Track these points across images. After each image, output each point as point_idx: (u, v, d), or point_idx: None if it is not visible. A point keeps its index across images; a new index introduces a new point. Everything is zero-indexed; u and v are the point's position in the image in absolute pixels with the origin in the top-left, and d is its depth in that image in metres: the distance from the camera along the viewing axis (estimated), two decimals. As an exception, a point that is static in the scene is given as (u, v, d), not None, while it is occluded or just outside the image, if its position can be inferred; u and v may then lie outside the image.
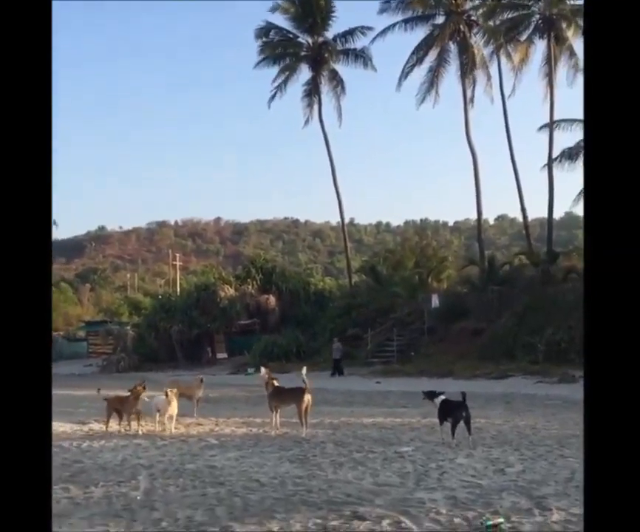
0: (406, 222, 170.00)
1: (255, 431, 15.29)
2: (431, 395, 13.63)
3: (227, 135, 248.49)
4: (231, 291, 52.15)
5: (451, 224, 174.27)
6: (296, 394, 14.45)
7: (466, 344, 38.62)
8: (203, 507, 8.63)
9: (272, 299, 52.08)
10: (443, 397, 13.36)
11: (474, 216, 55.06)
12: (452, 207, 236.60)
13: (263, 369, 16.65)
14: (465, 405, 12.72)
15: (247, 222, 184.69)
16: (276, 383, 15.11)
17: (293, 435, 14.37)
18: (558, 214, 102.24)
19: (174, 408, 14.85)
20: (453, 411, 12.85)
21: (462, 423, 12.73)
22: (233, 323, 50.70)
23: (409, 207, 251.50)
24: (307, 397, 14.22)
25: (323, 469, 10.64)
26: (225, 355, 50.04)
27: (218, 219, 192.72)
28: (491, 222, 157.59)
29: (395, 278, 50.29)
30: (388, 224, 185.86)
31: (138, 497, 9.26)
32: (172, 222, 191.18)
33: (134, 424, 15.45)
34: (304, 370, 14.90)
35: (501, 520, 7.62)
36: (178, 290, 69.11)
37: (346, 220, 58.04)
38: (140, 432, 15.10)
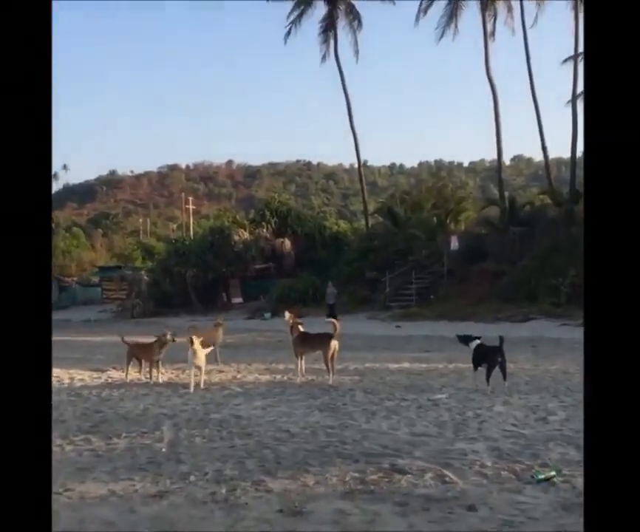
0: (420, 164, 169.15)
1: (279, 379, 14.81)
2: (466, 339, 13.03)
3: (238, 76, 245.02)
4: (246, 235, 51.48)
5: (466, 164, 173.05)
6: (323, 340, 13.90)
7: (487, 287, 38.00)
8: (232, 459, 8.15)
9: (287, 243, 51.50)
10: (478, 341, 12.79)
11: (489, 156, 54.89)
12: (467, 147, 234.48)
13: (287, 314, 15.88)
14: (502, 350, 12.14)
15: (260, 165, 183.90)
16: (301, 328, 14.54)
17: (319, 382, 13.89)
18: (577, 153, 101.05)
19: (201, 359, 13.67)
20: (488, 356, 12.29)
21: (497, 369, 12.19)
22: (248, 267, 50.13)
23: (423, 148, 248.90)
24: (334, 343, 13.68)
25: (355, 418, 10.14)
26: (240, 300, 49.63)
27: (230, 162, 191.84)
28: (507, 162, 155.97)
29: (413, 221, 49.45)
30: (402, 166, 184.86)
31: (163, 449, 8.80)
32: (183, 166, 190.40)
33: (154, 372, 14.92)
34: (331, 319, 14.41)
35: (553, 473, 7.11)
36: (192, 234, 68.57)
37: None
38: (161, 381, 14.61)
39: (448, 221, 50.79)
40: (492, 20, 49.02)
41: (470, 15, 50.52)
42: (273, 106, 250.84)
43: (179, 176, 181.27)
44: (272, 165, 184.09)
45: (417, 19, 49.20)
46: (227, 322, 37.63)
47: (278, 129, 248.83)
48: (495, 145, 47.39)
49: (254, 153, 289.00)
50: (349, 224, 77.32)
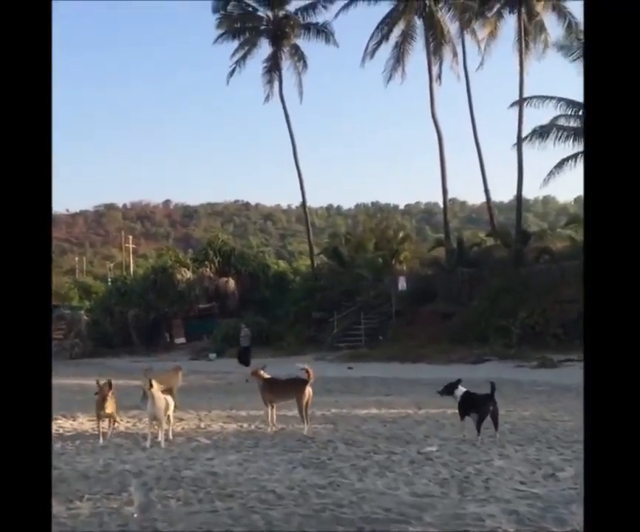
0: (357, 205, 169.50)
1: (247, 427, 13.76)
2: (449, 389, 12.18)
3: (177, 115, 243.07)
4: (189, 274, 50.41)
5: (401, 207, 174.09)
6: (296, 386, 12.94)
7: (436, 328, 37.57)
8: (217, 528, 7.18)
9: (231, 282, 50.62)
10: (463, 389, 11.98)
11: (424, 199, 54.71)
12: (402, 190, 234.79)
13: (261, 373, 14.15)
14: (493, 398, 11.36)
15: (197, 205, 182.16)
16: (265, 375, 13.50)
17: (291, 432, 12.91)
18: (507, 197, 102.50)
19: (160, 408, 11.76)
20: (478, 405, 11.48)
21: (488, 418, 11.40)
22: (191, 307, 49.08)
23: (359, 190, 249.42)
24: (308, 390, 12.74)
25: (345, 476, 9.18)
26: (183, 340, 48.40)
27: (167, 202, 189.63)
28: (441, 205, 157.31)
29: (359, 261, 49.01)
30: (339, 207, 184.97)
31: (135, 515, 7.75)
32: (120, 205, 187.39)
33: (104, 424, 12.85)
34: (303, 364, 13.44)
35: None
36: (131, 273, 67.01)
37: (297, 203, 56.77)
38: (109, 433, 12.76)
39: (393, 262, 50.47)
40: (438, 63, 49.24)
41: (418, 59, 50.55)
42: (210, 146, 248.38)
43: (116, 215, 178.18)
44: (210, 205, 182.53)
45: (363, 61, 49.15)
46: (171, 363, 36.56)
47: (216, 169, 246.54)
48: (431, 188, 47.86)
49: (192, 193, 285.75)
50: (288, 264, 76.58)
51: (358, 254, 52.10)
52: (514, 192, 44.97)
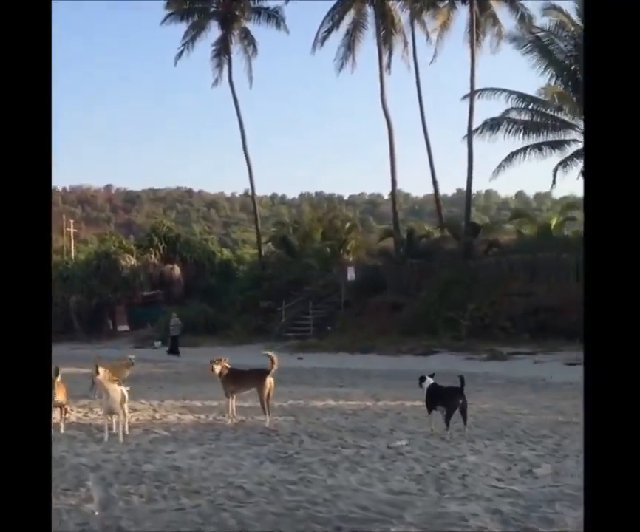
0: (302, 195, 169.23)
1: (205, 419, 13.29)
2: (421, 380, 11.88)
3: (120, 98, 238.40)
4: (133, 260, 49.42)
5: (346, 198, 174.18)
6: (258, 377, 12.52)
7: (385, 319, 37.35)
8: (186, 526, 6.76)
9: (176, 269, 49.78)
10: (431, 380, 11.67)
11: (368, 190, 54.49)
12: (346, 180, 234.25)
13: (217, 367, 13.54)
14: (462, 392, 11.07)
15: (140, 191, 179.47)
16: (227, 365, 13.03)
17: (252, 424, 12.50)
18: (450, 191, 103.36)
19: (116, 400, 11.13)
20: (445, 398, 11.19)
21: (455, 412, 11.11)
22: (135, 293, 48.07)
23: (304, 179, 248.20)
24: (270, 381, 12.34)
25: (315, 471, 8.80)
26: (126, 328, 47.40)
27: (109, 187, 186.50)
28: (385, 196, 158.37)
29: (308, 250, 48.59)
30: (283, 197, 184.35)
31: (96, 512, 7.28)
32: (60, 189, 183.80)
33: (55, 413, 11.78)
34: (268, 351, 12.98)
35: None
36: (73, 258, 65.56)
37: (241, 191, 56.28)
38: (62, 427, 11.97)
39: (341, 252, 50.27)
40: (388, 53, 49.03)
41: (369, 48, 50.16)
42: (154, 131, 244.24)
43: (56, 198, 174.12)
44: (152, 190, 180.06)
45: (313, 48, 48.72)
46: (115, 351, 35.81)
47: (159, 154, 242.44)
48: (375, 179, 47.88)
49: (134, 178, 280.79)
50: (232, 253, 75.95)
51: (306, 244, 51.68)
52: (458, 185, 45.21)
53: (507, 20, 46.24)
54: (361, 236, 57.83)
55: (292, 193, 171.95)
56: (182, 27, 52.43)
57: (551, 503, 7.33)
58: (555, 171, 39.30)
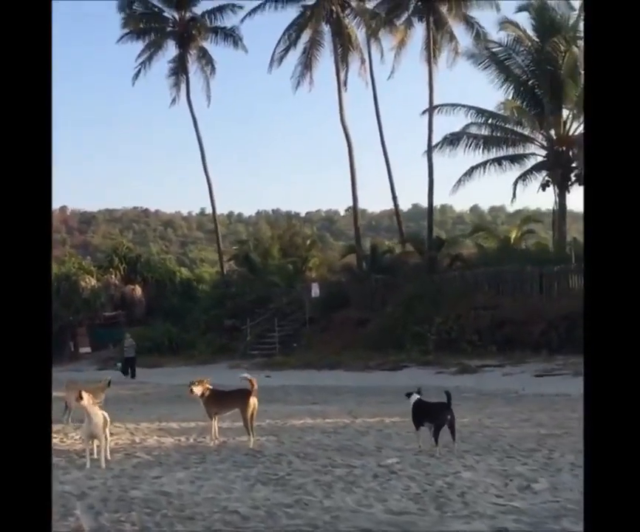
0: (258, 213, 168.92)
1: (186, 441, 13.01)
2: (407, 396, 11.76)
3: (74, 117, 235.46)
4: (93, 281, 48.83)
5: (302, 215, 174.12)
6: (240, 397, 12.29)
7: (350, 334, 37.28)
8: (185, 555, 6.54)
9: (138, 290, 49.30)
10: (417, 396, 11.54)
11: (325, 207, 54.55)
12: (302, 197, 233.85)
13: (197, 389, 13.37)
14: (450, 407, 10.97)
15: (95, 211, 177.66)
16: (209, 386, 12.77)
17: (235, 446, 12.25)
18: (406, 206, 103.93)
19: (99, 425, 10.75)
20: (432, 414, 11.07)
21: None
22: (97, 315, 47.50)
23: (260, 197, 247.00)
24: (254, 401, 12.12)
25: (310, 493, 8.60)
26: (88, 349, 46.75)
27: (63, 208, 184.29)
28: (342, 213, 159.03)
29: (270, 268, 48.44)
30: (240, 215, 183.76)
31: (89, 543, 7.03)
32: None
33: None
34: (245, 374, 12.77)
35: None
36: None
37: (197, 210, 56.04)
38: None
39: (303, 268, 50.20)
40: (345, 70, 49.12)
41: (326, 66, 50.26)
42: (108, 150, 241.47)
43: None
44: (108, 211, 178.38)
45: (270, 67, 48.65)
46: (78, 374, 35.22)
47: (114, 174, 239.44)
48: (331, 196, 48.34)
49: (89, 198, 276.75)
50: (190, 271, 75.49)
51: (267, 261, 51.54)
52: (413, 200, 45.59)
53: (463, 36, 46.74)
54: (321, 252, 57.88)
55: (248, 211, 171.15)
56: (138, 46, 52.25)
57: (557, 519, 7.23)
58: (515, 184, 39.77)
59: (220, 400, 12.58)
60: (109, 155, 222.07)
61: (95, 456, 10.96)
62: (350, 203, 49.32)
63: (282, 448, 11.89)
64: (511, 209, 67.82)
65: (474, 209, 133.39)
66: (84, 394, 11.14)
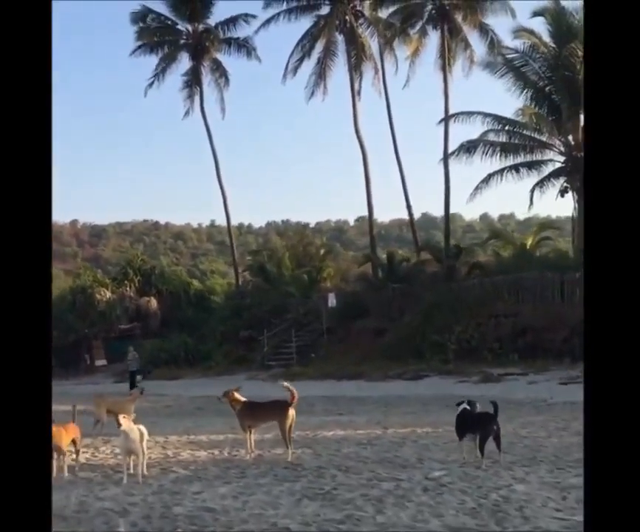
0: (268, 224, 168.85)
1: (220, 455, 12.74)
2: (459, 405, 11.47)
3: (83, 130, 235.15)
4: (108, 294, 48.66)
5: (312, 225, 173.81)
6: (278, 408, 11.98)
7: (369, 344, 36.94)
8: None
9: (153, 302, 49.08)
10: (463, 405, 11.26)
11: (334, 217, 54.37)
12: (312, 208, 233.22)
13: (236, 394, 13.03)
14: (496, 418, 10.66)
15: (106, 224, 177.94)
16: (241, 398, 12.44)
17: (271, 458, 11.98)
18: (415, 215, 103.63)
19: (136, 441, 10.54)
20: (478, 425, 10.76)
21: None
22: (112, 327, 47.28)
23: (269, 208, 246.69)
24: (292, 413, 11.83)
25: (360, 508, 8.31)
26: (104, 362, 46.53)
27: (74, 221, 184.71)
28: (351, 223, 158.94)
29: (286, 278, 48.17)
30: (250, 226, 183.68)
31: (138, 562, 6.75)
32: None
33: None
34: (286, 384, 12.41)
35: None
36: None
37: (207, 222, 55.95)
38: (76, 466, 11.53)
39: (318, 278, 49.94)
40: (359, 80, 48.94)
41: (339, 76, 50.10)
42: (119, 164, 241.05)
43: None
44: (119, 224, 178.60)
45: (284, 78, 48.53)
46: (94, 387, 35.04)
47: (124, 187, 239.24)
48: (340, 206, 47.86)
49: (100, 212, 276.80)
50: (201, 283, 75.34)
51: (281, 271, 51.30)
52: (422, 209, 45.24)
53: (478, 44, 46.52)
54: (335, 262, 57.64)
55: (258, 222, 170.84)
56: (151, 59, 52.23)
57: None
58: (532, 191, 39.40)
59: (255, 412, 12.26)
60: (119, 168, 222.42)
61: (132, 471, 10.68)
62: (360, 213, 49.53)
63: (321, 460, 11.60)
64: (521, 217, 67.55)
65: (484, 217, 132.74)
66: (122, 419, 10.77)
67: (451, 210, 46.57)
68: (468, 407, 11.21)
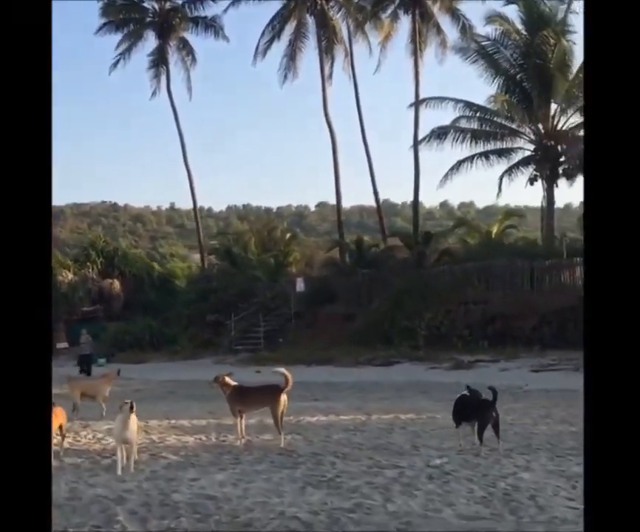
0: (228, 208, 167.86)
1: (208, 440, 12.42)
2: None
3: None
4: (70, 275, 47.84)
5: (274, 209, 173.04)
6: (270, 394, 11.71)
7: (337, 330, 36.75)
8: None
9: (116, 284, 48.39)
10: (464, 392, 11.09)
11: (295, 202, 54.19)
12: (273, 192, 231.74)
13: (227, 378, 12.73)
14: (495, 405, 10.49)
15: (63, 205, 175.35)
16: (231, 382, 12.15)
17: (261, 444, 11.71)
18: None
19: (133, 430, 10.11)
20: (476, 412, 10.59)
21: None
22: (74, 310, 46.44)
23: (229, 192, 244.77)
24: (284, 398, 11.57)
25: (368, 496, 8.06)
26: (65, 345, 45.54)
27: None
28: (312, 208, 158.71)
29: (252, 262, 47.79)
30: (210, 210, 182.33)
31: (145, 554, 6.44)
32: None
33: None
34: (281, 369, 12.09)
35: None
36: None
37: (167, 204, 55.38)
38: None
39: (285, 263, 49.68)
40: (330, 63, 48.63)
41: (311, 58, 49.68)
42: (78, 144, 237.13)
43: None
44: (76, 205, 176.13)
45: (254, 60, 48.05)
46: (59, 369, 34.30)
47: (82, 168, 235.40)
48: (301, 191, 47.72)
49: (57, 193, 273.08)
50: (161, 266, 74.61)
51: (247, 255, 50.89)
52: (383, 196, 44.96)
53: (450, 30, 46.44)
54: (299, 247, 57.42)
55: (218, 207, 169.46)
56: (117, 38, 51.35)
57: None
58: (501, 179, 39.53)
59: (246, 397, 11.96)
60: (78, 148, 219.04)
61: (123, 459, 10.26)
62: (321, 198, 49.40)
63: (314, 447, 11.34)
64: (480, 205, 68.01)
65: (444, 205, 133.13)
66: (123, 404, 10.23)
67: (410, 199, 46.56)
68: (467, 393, 11.04)
